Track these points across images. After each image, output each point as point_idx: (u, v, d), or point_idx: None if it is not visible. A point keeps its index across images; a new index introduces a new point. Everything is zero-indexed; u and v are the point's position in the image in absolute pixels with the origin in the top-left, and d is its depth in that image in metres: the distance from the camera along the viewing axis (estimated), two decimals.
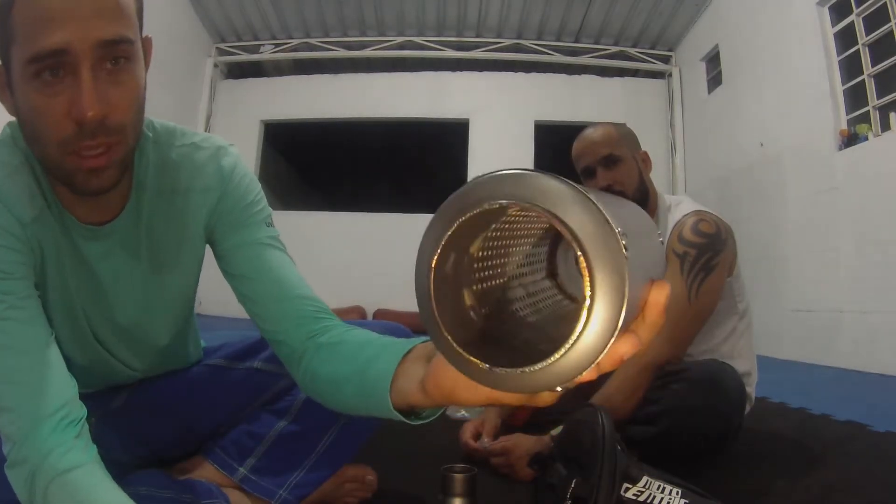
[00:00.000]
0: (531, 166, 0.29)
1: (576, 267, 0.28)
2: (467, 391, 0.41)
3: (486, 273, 0.35)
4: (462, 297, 0.33)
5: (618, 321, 0.27)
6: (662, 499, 0.82)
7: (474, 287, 0.34)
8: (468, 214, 0.30)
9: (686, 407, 1.10)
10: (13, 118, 0.65)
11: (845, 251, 3.69)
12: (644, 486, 0.82)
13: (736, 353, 1.35)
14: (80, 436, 0.59)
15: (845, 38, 3.95)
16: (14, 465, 0.58)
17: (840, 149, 3.79)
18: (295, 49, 6.80)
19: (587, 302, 0.27)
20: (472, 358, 0.31)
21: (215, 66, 6.80)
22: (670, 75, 6.59)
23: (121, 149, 0.62)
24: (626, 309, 0.27)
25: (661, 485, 0.83)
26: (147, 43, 0.66)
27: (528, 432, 1.21)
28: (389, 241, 5.53)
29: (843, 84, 3.94)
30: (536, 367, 0.29)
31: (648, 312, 0.32)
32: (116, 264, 0.75)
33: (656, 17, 6.14)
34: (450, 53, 6.69)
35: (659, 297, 0.32)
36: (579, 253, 0.27)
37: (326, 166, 9.16)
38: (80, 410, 0.61)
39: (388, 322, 0.89)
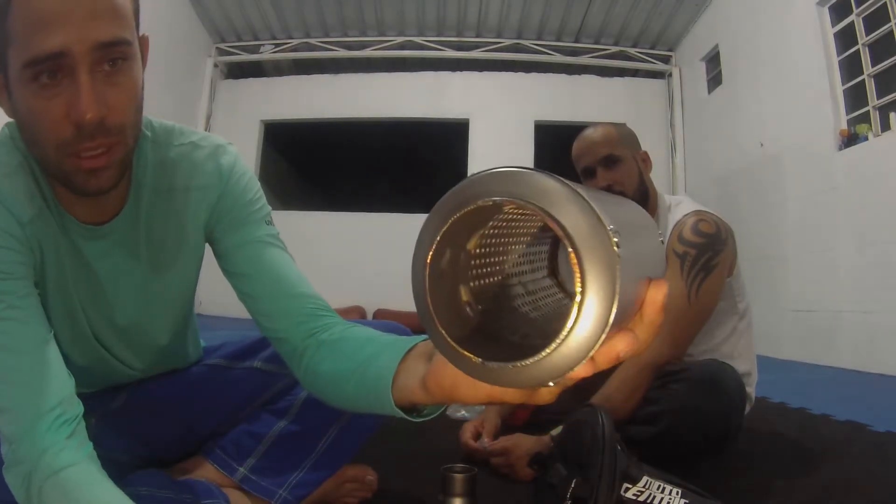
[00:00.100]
0: (531, 166, 0.29)
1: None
2: (468, 389, 0.41)
3: (484, 270, 0.35)
4: (458, 292, 0.34)
5: (609, 317, 0.27)
6: (662, 499, 0.82)
7: (471, 283, 0.34)
8: (462, 211, 0.30)
9: (686, 407, 1.10)
10: (11, 119, 0.65)
11: (845, 251, 3.69)
12: (644, 486, 0.82)
13: (736, 354, 1.35)
14: (73, 434, 0.59)
15: (845, 38, 3.95)
16: (11, 466, 0.58)
17: (840, 149, 3.80)
18: (295, 49, 6.81)
19: (577, 297, 0.27)
20: (464, 352, 0.31)
21: (215, 65, 6.80)
22: (670, 75, 6.59)
23: (120, 149, 0.62)
24: (618, 305, 0.27)
25: (661, 485, 0.83)
26: (144, 42, 0.66)
27: (528, 432, 1.21)
28: (389, 241, 5.51)
29: (843, 84, 3.94)
30: (528, 362, 0.29)
31: (646, 311, 0.32)
32: (116, 264, 0.75)
33: (656, 17, 6.14)
34: (450, 53, 6.69)
35: (656, 295, 0.32)
36: (570, 249, 0.27)
37: (326, 166, 9.16)
38: (76, 408, 0.61)
39: (389, 322, 0.89)
